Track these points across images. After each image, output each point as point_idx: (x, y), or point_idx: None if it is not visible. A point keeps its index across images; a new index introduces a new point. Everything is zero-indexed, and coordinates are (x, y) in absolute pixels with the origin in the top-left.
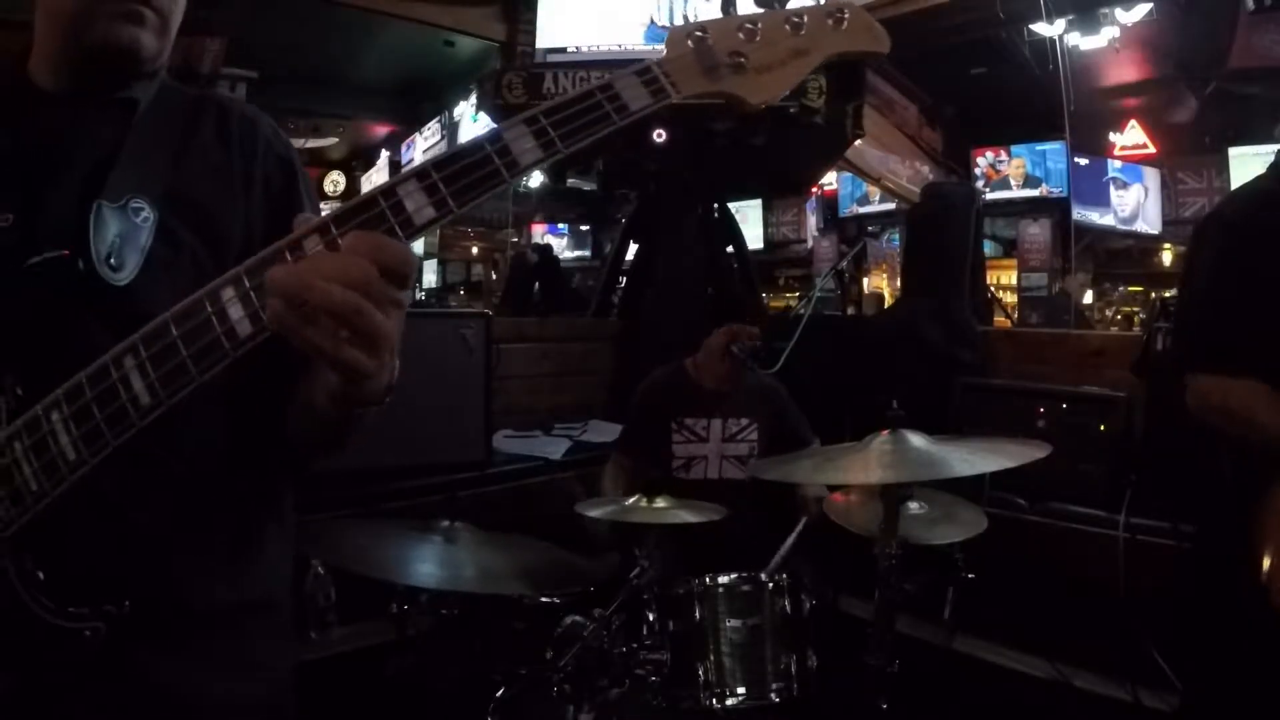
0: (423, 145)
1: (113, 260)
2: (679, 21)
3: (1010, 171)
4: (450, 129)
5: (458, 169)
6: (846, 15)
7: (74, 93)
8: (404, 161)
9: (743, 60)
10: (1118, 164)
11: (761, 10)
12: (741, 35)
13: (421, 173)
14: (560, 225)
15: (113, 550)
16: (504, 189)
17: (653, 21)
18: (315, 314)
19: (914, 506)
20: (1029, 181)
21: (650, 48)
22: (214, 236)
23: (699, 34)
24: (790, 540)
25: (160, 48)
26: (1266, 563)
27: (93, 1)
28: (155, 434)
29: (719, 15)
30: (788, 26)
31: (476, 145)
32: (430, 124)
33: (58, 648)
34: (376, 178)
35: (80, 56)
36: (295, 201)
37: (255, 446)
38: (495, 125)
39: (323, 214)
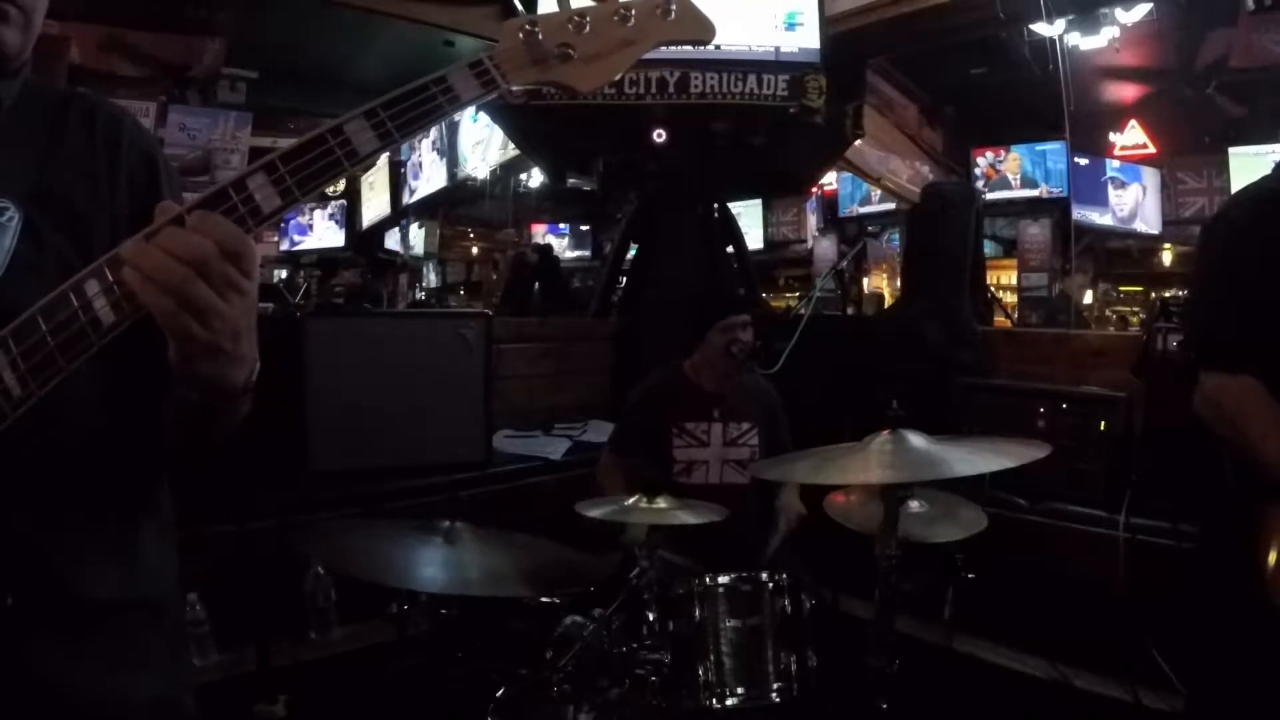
0: (428, 145)
1: None
2: None
3: (1007, 168)
4: (450, 128)
5: (302, 161)
6: (674, 6)
7: None
8: (405, 161)
9: (570, 51)
10: (1116, 164)
11: (592, 3)
12: (570, 27)
13: (269, 165)
14: (561, 225)
15: None
16: (346, 175)
17: None
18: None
19: (914, 505)
20: (1026, 181)
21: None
22: (80, 233)
23: (529, 27)
24: (771, 547)
25: (23, 45)
26: (1270, 566)
27: None
28: (34, 433)
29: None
30: (616, 18)
31: (319, 138)
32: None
33: None
34: (377, 177)
35: None
36: (158, 195)
37: (131, 446)
38: (498, 130)
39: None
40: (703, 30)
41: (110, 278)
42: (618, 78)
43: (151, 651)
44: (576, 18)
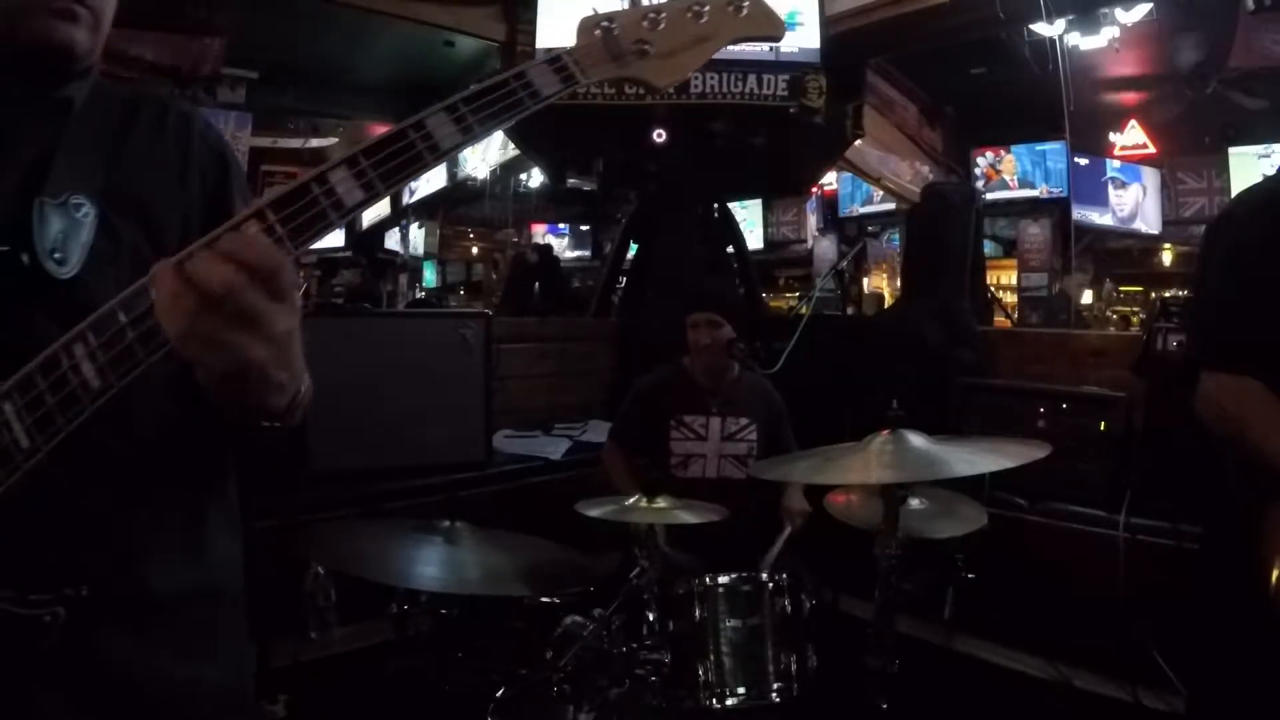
0: None
1: (57, 254)
2: None
3: (1004, 169)
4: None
5: (384, 155)
6: (746, 4)
7: (8, 92)
8: None
9: (647, 47)
10: (1116, 164)
11: (667, 0)
12: (646, 24)
13: (352, 159)
14: (561, 226)
15: (69, 537)
16: (425, 171)
17: None
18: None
19: (914, 502)
20: (1023, 182)
21: None
22: (154, 228)
23: (606, 24)
24: (775, 549)
25: (93, 45)
26: (1275, 574)
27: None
28: (107, 423)
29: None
30: (689, 15)
31: (401, 132)
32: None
33: (18, 635)
34: None
35: (14, 54)
36: (229, 194)
37: (200, 436)
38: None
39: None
40: (774, 27)
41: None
42: (690, 74)
43: (219, 640)
44: (651, 14)
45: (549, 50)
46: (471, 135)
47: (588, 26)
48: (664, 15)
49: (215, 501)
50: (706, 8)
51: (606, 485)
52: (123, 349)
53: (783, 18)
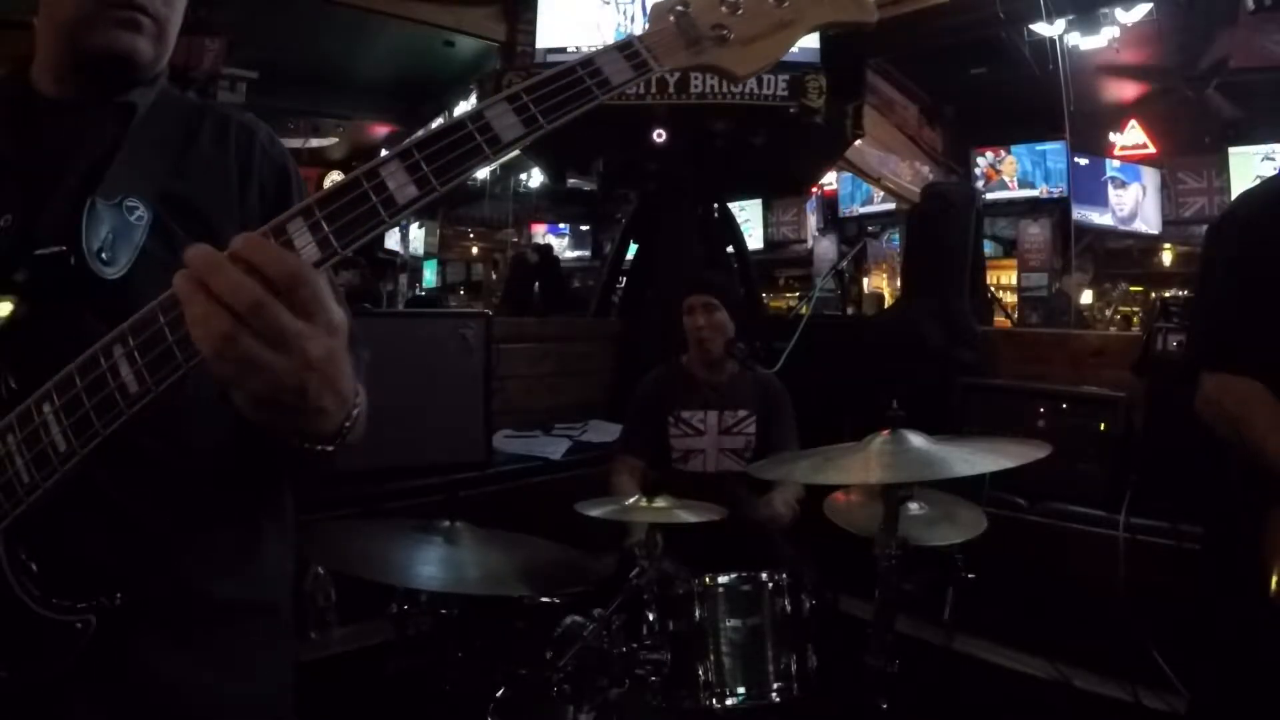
0: None
1: (104, 255)
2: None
3: (1004, 170)
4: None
5: (440, 147)
6: None
7: (76, 98)
8: None
9: (726, 33)
10: (1116, 164)
11: None
12: (724, 9)
13: (404, 152)
14: (561, 225)
15: (108, 544)
16: (487, 165)
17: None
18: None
19: (914, 507)
20: (1023, 183)
21: None
22: (209, 237)
23: (680, 8)
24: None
25: (158, 54)
26: (1276, 576)
27: (92, 9)
28: (160, 433)
29: None
30: None
31: (458, 123)
32: (430, 125)
33: (49, 640)
34: None
35: (80, 63)
36: (288, 206)
37: (255, 448)
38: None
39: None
40: (863, 11)
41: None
42: (774, 61)
43: (265, 655)
44: None
45: (548, 51)
46: (536, 127)
47: (661, 11)
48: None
49: (269, 517)
50: None
51: (607, 489)
52: (162, 351)
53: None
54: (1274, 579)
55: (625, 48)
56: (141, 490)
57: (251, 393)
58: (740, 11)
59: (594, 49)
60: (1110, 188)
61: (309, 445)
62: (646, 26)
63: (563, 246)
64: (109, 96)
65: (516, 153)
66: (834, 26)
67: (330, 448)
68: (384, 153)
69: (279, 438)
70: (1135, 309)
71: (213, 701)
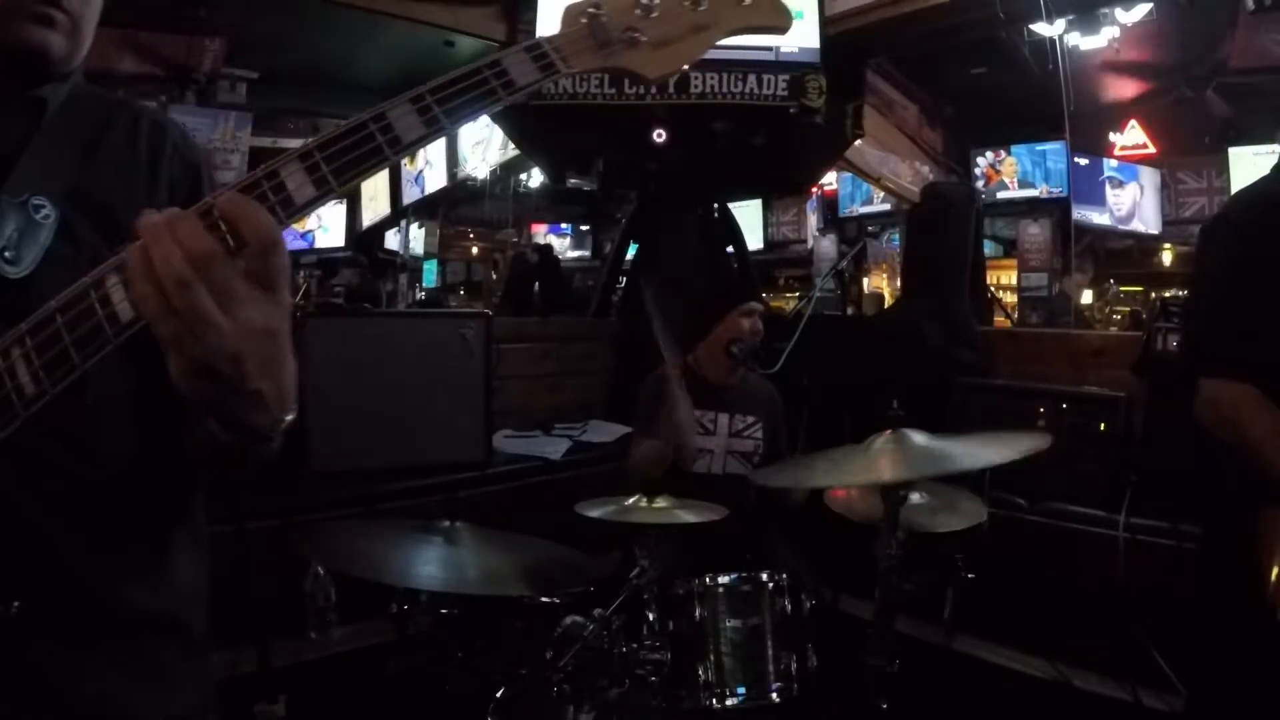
0: (433, 147)
1: (8, 254)
2: None
3: (1004, 171)
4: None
5: (340, 148)
6: None
7: None
8: (403, 162)
9: (638, 35)
10: (1114, 163)
11: None
12: (638, 11)
13: (305, 153)
14: (563, 225)
15: (6, 550)
16: (385, 166)
17: None
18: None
19: (915, 497)
20: (1023, 184)
21: None
22: (116, 236)
23: (593, 10)
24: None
25: (71, 50)
26: (1273, 577)
27: (6, 2)
28: (65, 439)
29: None
30: (687, 2)
31: (359, 124)
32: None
33: None
34: (377, 177)
35: None
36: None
37: (166, 455)
38: (498, 130)
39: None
40: (779, 17)
41: None
42: (684, 65)
43: (177, 670)
44: (644, 1)
45: None
46: (438, 126)
47: (574, 13)
48: (658, 2)
49: (179, 523)
50: None
51: (635, 473)
52: (58, 353)
53: (792, 11)
54: (1271, 579)
55: (533, 48)
56: (44, 497)
57: (190, 357)
58: (654, 15)
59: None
60: (1108, 187)
61: (239, 437)
62: (559, 28)
63: (563, 246)
64: (19, 91)
65: (515, 153)
66: (749, 30)
67: (258, 446)
68: (355, 117)
69: (217, 428)
70: (1128, 309)
71: (119, 711)
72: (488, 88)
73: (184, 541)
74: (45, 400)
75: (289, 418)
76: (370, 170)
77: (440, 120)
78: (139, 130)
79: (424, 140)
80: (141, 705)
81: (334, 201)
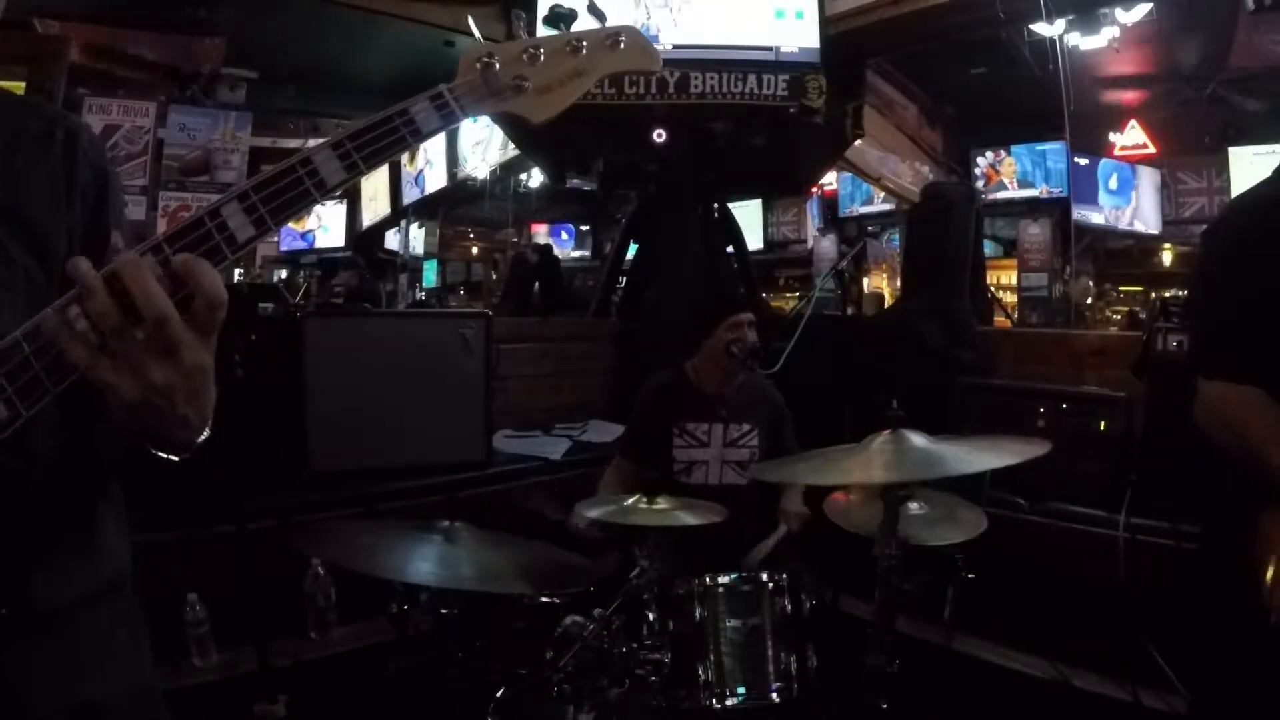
0: (433, 147)
1: None
2: (660, 23)
3: (1004, 172)
4: (450, 129)
5: (273, 190)
6: (623, 39)
7: None
8: (403, 162)
9: (524, 83)
10: (1111, 164)
11: (547, 34)
12: (525, 58)
13: (242, 194)
14: (565, 235)
15: None
16: (313, 205)
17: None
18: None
19: (914, 507)
20: (1022, 184)
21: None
22: (43, 250)
23: (487, 58)
24: (767, 545)
25: None
26: (1269, 576)
27: None
28: (10, 446)
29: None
30: (568, 49)
31: (289, 169)
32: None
33: None
34: (377, 177)
35: None
36: (105, 215)
37: (88, 440)
38: (498, 130)
39: (315, 211)
40: (650, 60)
41: (78, 310)
42: (564, 108)
43: (121, 637)
44: (531, 49)
45: None
46: (357, 171)
47: (470, 61)
48: (543, 50)
49: (104, 501)
50: (585, 43)
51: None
52: (29, 379)
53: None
54: (1268, 579)
55: (436, 98)
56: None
57: (130, 397)
58: (540, 62)
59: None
60: (1103, 190)
61: (161, 451)
62: (457, 76)
63: (568, 246)
64: None
65: (515, 153)
66: (623, 73)
67: (176, 457)
68: (284, 163)
69: (136, 442)
70: (1126, 308)
71: (86, 696)
72: (398, 135)
73: (109, 512)
74: (20, 424)
75: (205, 435)
76: (302, 209)
77: (359, 165)
78: (54, 136)
79: (346, 181)
80: (97, 684)
81: (334, 201)
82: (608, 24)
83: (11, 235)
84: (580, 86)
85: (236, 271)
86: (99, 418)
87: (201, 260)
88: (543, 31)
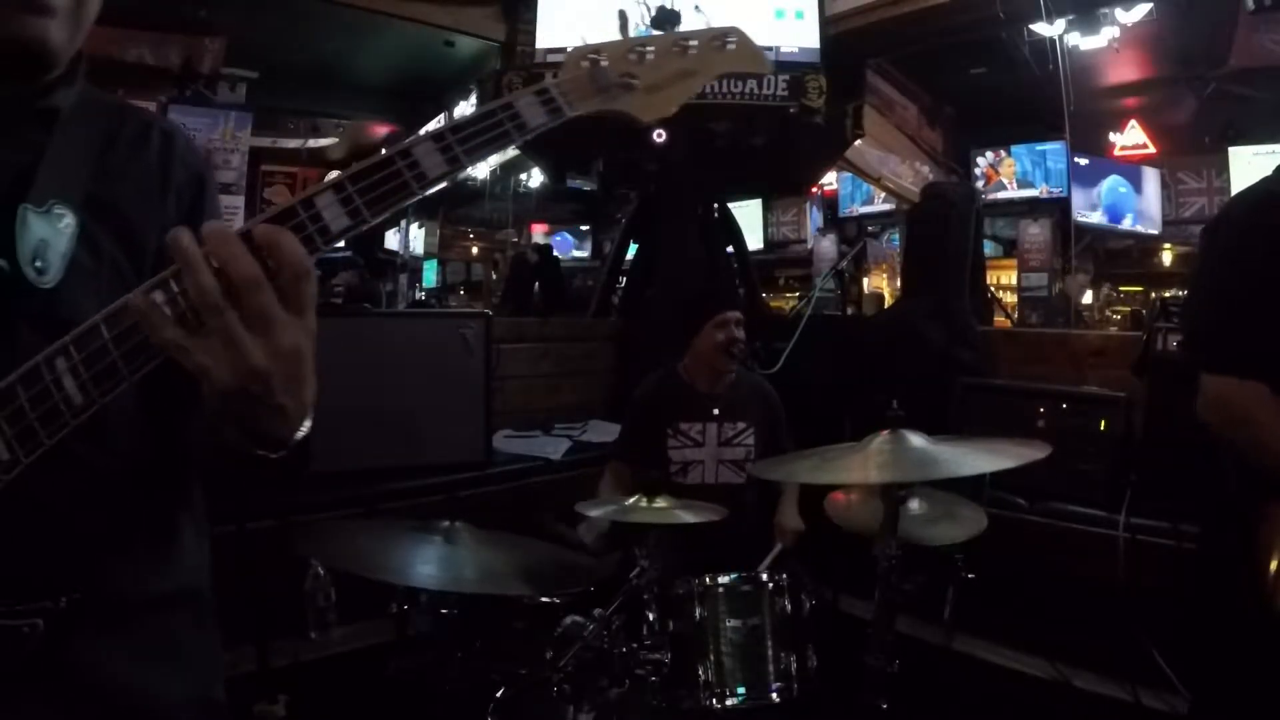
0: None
1: (38, 263)
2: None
3: (1003, 172)
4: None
5: (372, 181)
6: (732, 41)
7: None
8: None
9: (634, 81)
10: (1122, 186)
11: (655, 34)
12: (633, 57)
13: (338, 184)
14: (568, 237)
15: (48, 550)
16: (412, 199)
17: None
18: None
19: (914, 506)
20: (1022, 184)
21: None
22: (133, 244)
23: (594, 56)
24: (766, 563)
25: (69, 39)
26: (1271, 572)
27: None
28: (88, 435)
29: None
30: (676, 49)
31: (388, 159)
32: (430, 125)
33: None
34: None
35: None
36: (203, 213)
37: (171, 443)
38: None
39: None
40: (758, 63)
41: (175, 288)
42: (675, 109)
43: (192, 645)
44: (639, 48)
45: (548, 51)
46: (458, 165)
47: (576, 58)
48: (651, 49)
49: (185, 508)
50: (693, 42)
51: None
52: (106, 365)
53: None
54: (1269, 579)
55: (542, 93)
56: (73, 492)
57: (226, 379)
58: (649, 60)
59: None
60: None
61: (256, 448)
62: (562, 73)
63: (570, 246)
64: (30, 100)
65: (515, 153)
66: (732, 75)
67: (272, 454)
68: (384, 153)
69: (234, 438)
70: (1127, 308)
71: (146, 698)
72: (502, 129)
73: (189, 520)
74: (93, 410)
75: (305, 428)
76: (400, 202)
77: (460, 159)
78: (149, 137)
79: (447, 176)
80: (164, 685)
81: None
82: (679, 27)
83: (103, 228)
84: (690, 88)
85: None
86: (181, 413)
87: (283, 229)
88: (552, 29)
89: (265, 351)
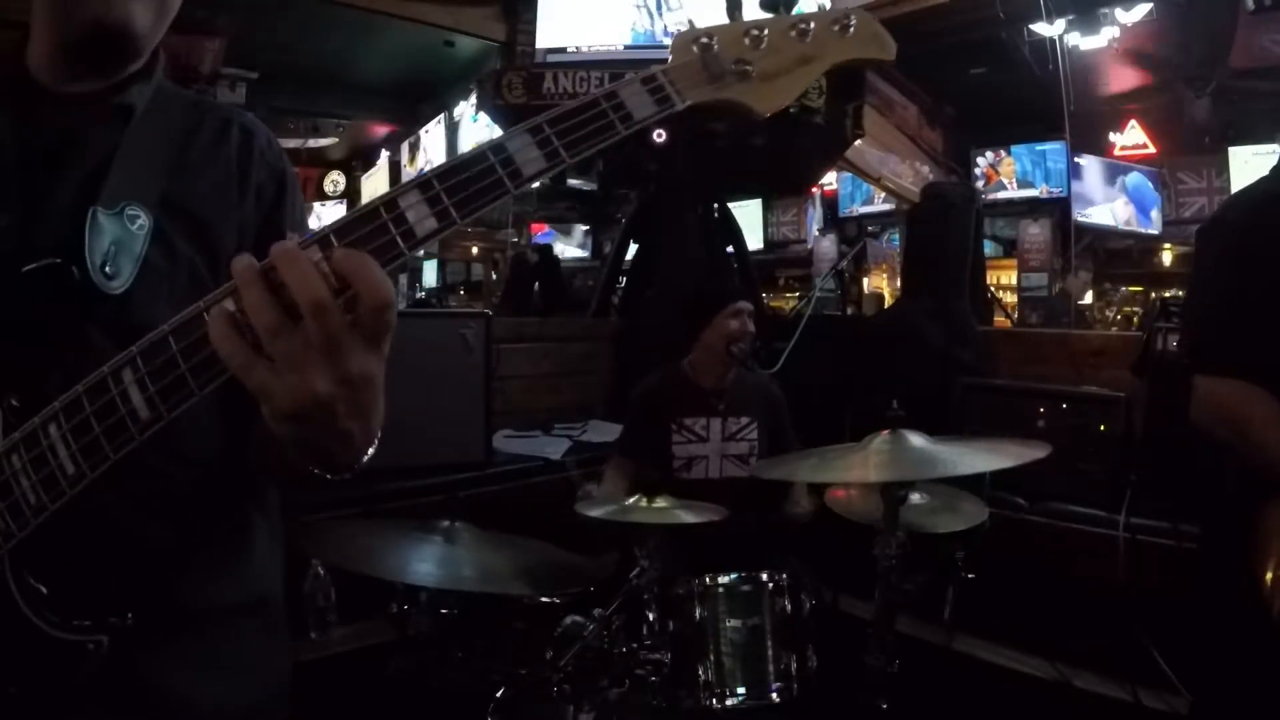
0: (433, 147)
1: (108, 268)
2: (670, 25)
3: (1003, 172)
4: (450, 129)
5: (461, 179)
6: (853, 22)
7: (72, 88)
8: (403, 163)
9: (748, 68)
10: (1131, 179)
11: (768, 16)
12: (747, 42)
13: (424, 183)
14: (550, 233)
15: (115, 562)
16: (506, 197)
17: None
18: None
19: (915, 497)
20: (1022, 184)
21: (655, 46)
22: (210, 246)
23: (705, 40)
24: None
25: (154, 25)
26: (1268, 577)
27: None
28: (159, 444)
29: (726, 21)
30: (794, 33)
31: (479, 155)
32: (430, 125)
33: (60, 660)
34: (377, 177)
35: (73, 40)
36: (283, 213)
37: (246, 444)
38: (499, 130)
39: (314, 211)
40: (883, 48)
41: (234, 305)
42: (793, 99)
43: (260, 654)
44: (754, 32)
45: (548, 51)
46: (558, 160)
47: (684, 43)
48: (766, 32)
49: (259, 514)
50: (811, 25)
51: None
52: (174, 379)
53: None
54: (1267, 578)
55: (650, 81)
56: (143, 503)
57: (289, 405)
58: (764, 45)
59: (619, 81)
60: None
61: (319, 469)
62: (670, 59)
63: (572, 246)
64: (106, 89)
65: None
66: (854, 63)
67: (336, 477)
68: (384, 153)
69: (297, 460)
70: (1135, 309)
71: (209, 706)
72: (606, 121)
73: (263, 529)
74: (161, 425)
75: (370, 453)
76: (492, 201)
77: (560, 153)
78: (228, 135)
79: (546, 172)
80: (234, 694)
81: (334, 202)
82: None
83: (178, 229)
84: (809, 75)
85: None
86: (256, 425)
87: (365, 255)
88: (552, 29)
89: (331, 377)
